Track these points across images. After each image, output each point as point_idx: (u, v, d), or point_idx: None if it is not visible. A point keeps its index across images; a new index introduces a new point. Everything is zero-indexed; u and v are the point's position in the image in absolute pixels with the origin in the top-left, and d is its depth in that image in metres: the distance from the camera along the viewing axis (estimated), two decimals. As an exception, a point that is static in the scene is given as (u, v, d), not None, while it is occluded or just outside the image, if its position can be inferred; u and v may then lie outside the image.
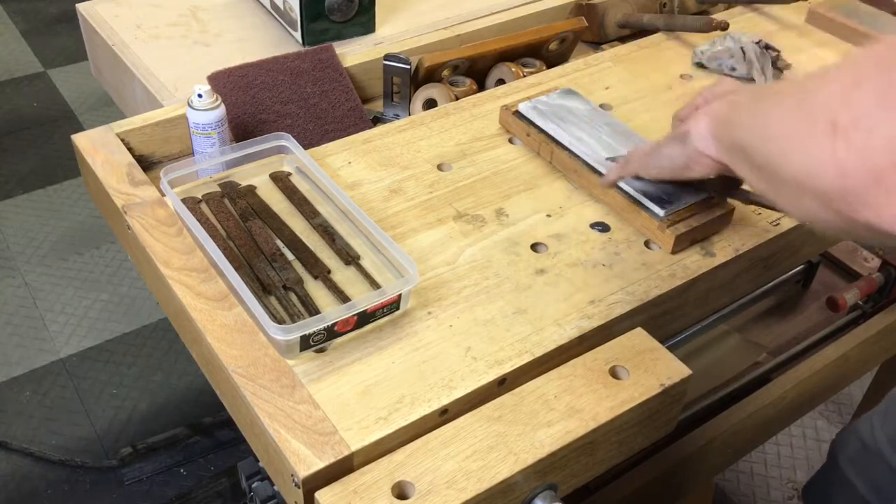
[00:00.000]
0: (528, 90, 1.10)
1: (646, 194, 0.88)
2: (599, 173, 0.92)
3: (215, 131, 0.97)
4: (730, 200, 0.89)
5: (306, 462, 0.65)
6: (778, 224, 0.91)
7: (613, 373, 0.74)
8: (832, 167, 0.51)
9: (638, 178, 0.88)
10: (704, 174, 0.78)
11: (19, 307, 2.04)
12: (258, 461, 0.92)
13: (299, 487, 0.65)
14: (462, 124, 1.04)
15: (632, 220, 0.89)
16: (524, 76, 1.16)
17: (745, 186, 0.87)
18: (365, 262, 0.84)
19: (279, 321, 0.76)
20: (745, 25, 1.28)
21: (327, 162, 0.97)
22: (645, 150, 0.85)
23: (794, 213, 0.62)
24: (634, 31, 1.34)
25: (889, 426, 1.04)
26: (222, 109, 0.97)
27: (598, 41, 1.34)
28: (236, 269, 0.78)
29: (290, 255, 0.84)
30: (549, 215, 0.91)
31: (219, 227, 0.87)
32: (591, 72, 1.16)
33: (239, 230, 0.87)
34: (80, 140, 0.97)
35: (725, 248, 0.88)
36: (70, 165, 2.47)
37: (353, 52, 1.19)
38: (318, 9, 1.20)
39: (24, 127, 2.65)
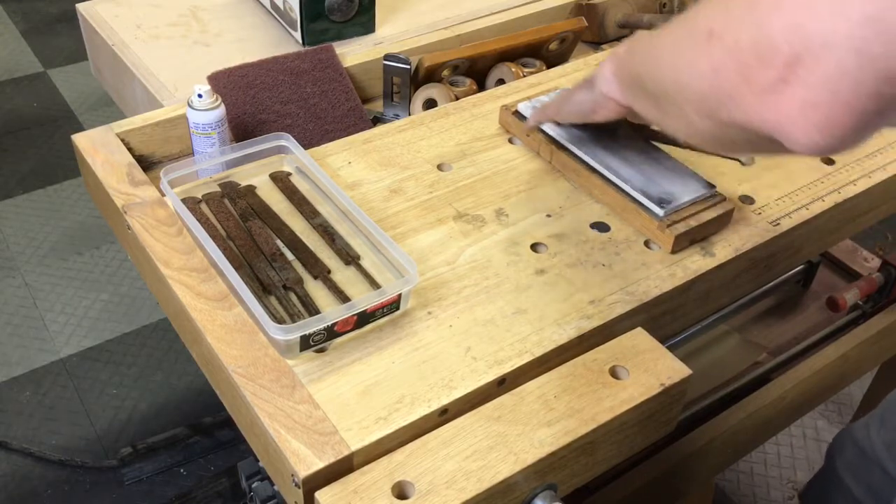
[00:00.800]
0: (528, 90, 1.10)
1: (646, 194, 0.88)
2: (599, 173, 0.92)
3: (215, 131, 0.97)
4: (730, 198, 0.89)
5: (306, 462, 0.65)
6: (778, 224, 0.91)
7: (613, 373, 0.74)
8: (707, 70, 0.54)
9: (556, 123, 0.94)
10: (610, 117, 0.80)
11: (19, 307, 2.04)
12: (258, 461, 0.92)
13: (299, 487, 0.65)
14: (462, 124, 1.04)
15: (631, 220, 0.89)
16: (524, 76, 1.16)
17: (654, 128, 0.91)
18: (365, 262, 0.84)
19: (279, 321, 0.76)
20: (745, 25, 1.28)
21: (327, 162, 0.97)
22: (560, 96, 0.90)
23: (680, 132, 0.65)
24: (634, 31, 1.34)
25: (885, 431, 1.04)
26: (222, 109, 0.97)
27: (598, 41, 1.34)
28: (236, 269, 0.78)
29: (290, 255, 0.84)
30: (549, 215, 0.91)
31: (219, 227, 0.87)
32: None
33: (239, 230, 0.87)
34: (80, 140, 0.97)
35: (725, 248, 0.88)
36: (70, 165, 2.47)
37: (353, 52, 1.19)
38: (318, 9, 1.20)
39: (24, 127, 2.65)
